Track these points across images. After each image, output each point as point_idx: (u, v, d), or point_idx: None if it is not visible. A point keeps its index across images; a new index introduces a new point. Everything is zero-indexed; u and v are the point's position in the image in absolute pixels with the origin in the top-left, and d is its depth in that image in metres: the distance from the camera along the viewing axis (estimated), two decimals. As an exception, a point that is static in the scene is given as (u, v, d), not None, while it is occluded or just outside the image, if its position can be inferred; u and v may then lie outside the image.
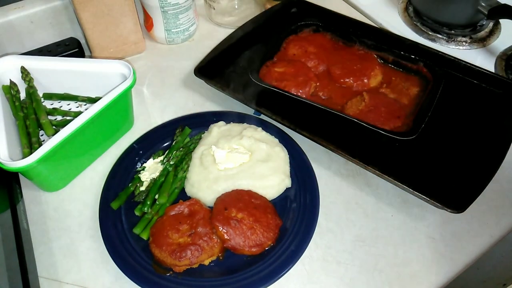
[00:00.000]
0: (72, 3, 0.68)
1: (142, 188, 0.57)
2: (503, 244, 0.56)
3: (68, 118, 0.64)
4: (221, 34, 0.78)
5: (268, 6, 0.83)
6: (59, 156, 0.54)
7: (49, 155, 0.52)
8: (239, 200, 0.53)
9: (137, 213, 0.54)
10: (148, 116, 0.69)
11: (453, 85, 0.67)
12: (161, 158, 0.60)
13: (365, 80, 0.68)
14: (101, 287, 0.50)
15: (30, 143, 0.58)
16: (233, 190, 0.55)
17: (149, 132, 0.64)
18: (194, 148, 0.61)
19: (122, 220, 0.54)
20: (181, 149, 0.60)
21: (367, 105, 0.63)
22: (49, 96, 0.67)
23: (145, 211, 0.54)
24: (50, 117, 0.63)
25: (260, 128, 0.62)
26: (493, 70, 0.75)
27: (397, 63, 0.70)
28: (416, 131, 0.58)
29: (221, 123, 0.64)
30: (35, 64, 0.64)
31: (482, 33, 0.83)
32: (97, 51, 0.75)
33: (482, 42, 0.82)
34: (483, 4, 0.76)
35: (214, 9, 0.83)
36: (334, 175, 0.61)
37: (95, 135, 0.59)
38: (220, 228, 0.50)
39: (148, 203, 0.55)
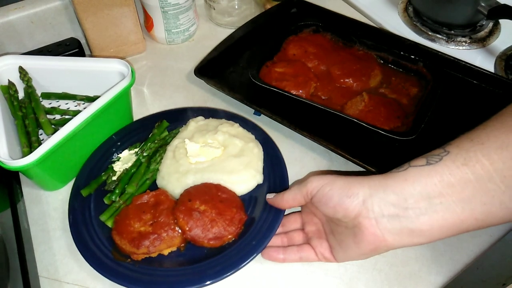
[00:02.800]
0: (72, 3, 0.69)
1: (114, 178, 0.58)
2: (503, 244, 0.56)
3: (67, 117, 0.64)
4: (221, 34, 0.78)
5: (268, 6, 0.83)
6: (58, 155, 0.54)
7: (49, 154, 0.52)
8: (205, 193, 0.53)
9: (106, 201, 0.55)
10: (148, 116, 0.69)
11: (453, 85, 0.67)
12: (136, 149, 0.61)
13: (365, 80, 0.68)
14: (101, 287, 0.50)
15: (29, 142, 0.58)
16: (202, 183, 0.55)
17: (129, 124, 0.64)
18: (171, 141, 0.61)
19: (90, 207, 0.55)
20: (156, 141, 0.61)
21: (367, 105, 0.63)
22: (47, 96, 0.67)
23: (113, 200, 0.55)
24: (49, 116, 0.63)
25: (237, 124, 0.62)
26: (492, 70, 0.75)
27: (397, 63, 0.71)
28: (416, 131, 0.59)
29: (200, 118, 0.64)
30: (33, 64, 0.64)
31: (482, 33, 0.83)
32: (97, 51, 0.75)
33: (482, 42, 0.82)
34: (483, 4, 0.76)
35: (214, 9, 0.83)
36: (334, 175, 0.61)
37: (94, 134, 0.59)
38: (181, 219, 0.50)
39: (117, 192, 0.55)
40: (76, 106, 0.67)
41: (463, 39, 0.82)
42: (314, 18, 0.78)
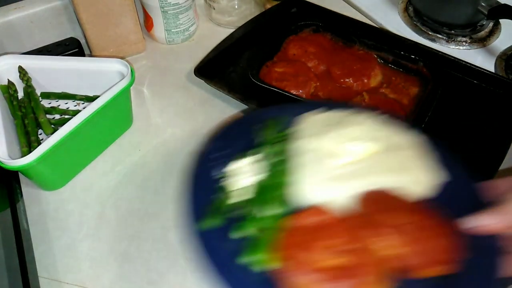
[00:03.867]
0: (72, 3, 0.69)
1: (234, 201, 0.43)
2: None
3: (66, 116, 0.64)
4: (221, 34, 0.77)
5: (268, 6, 0.83)
6: (58, 155, 0.54)
7: (48, 154, 0.51)
8: (386, 201, 0.41)
9: (236, 234, 0.40)
10: (147, 116, 0.69)
11: (453, 85, 0.67)
12: (249, 159, 0.46)
13: (365, 80, 0.68)
14: (101, 287, 0.50)
15: (29, 142, 0.58)
16: (370, 190, 0.42)
17: (219, 133, 0.50)
18: (290, 144, 0.47)
19: (219, 247, 0.38)
20: (272, 145, 0.46)
21: (367, 105, 0.63)
22: (47, 95, 0.67)
23: (252, 230, 0.40)
24: (48, 116, 0.63)
25: (373, 115, 0.49)
26: (493, 70, 0.75)
27: (397, 63, 0.70)
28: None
29: (316, 111, 0.51)
30: (33, 63, 0.64)
31: (482, 33, 0.83)
32: (97, 51, 0.75)
33: (482, 42, 0.82)
34: (483, 4, 0.76)
35: (214, 9, 0.83)
36: (334, 175, 0.61)
37: (94, 133, 0.59)
38: (387, 237, 0.36)
39: (259, 216, 0.40)
40: (75, 105, 0.67)
41: (464, 39, 0.82)
42: (314, 17, 0.78)
